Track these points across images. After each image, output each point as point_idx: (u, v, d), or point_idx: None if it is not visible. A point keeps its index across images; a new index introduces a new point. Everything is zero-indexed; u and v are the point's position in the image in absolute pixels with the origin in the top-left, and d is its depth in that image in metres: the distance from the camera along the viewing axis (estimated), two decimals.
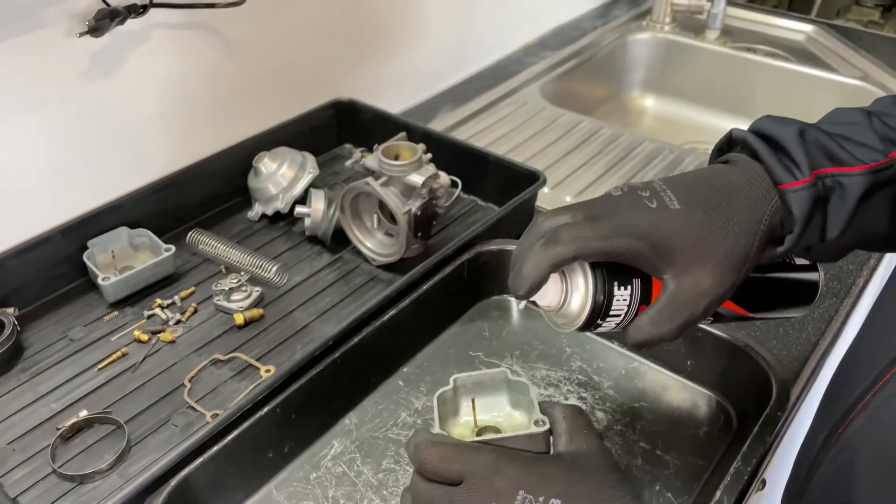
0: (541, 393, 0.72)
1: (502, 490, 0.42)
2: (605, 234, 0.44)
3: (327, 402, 0.68)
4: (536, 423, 0.49)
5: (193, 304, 0.80)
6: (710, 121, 1.45)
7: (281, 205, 0.91)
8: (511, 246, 0.81)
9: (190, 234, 0.88)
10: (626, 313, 0.46)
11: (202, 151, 0.92)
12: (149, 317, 0.79)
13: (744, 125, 1.55)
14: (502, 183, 0.93)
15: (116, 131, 0.84)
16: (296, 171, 0.92)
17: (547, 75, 1.31)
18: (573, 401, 0.71)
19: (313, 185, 0.92)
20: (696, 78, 1.46)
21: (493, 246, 0.81)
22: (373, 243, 0.87)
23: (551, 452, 0.47)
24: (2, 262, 0.76)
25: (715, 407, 0.71)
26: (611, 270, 0.45)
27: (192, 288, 0.83)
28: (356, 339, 0.69)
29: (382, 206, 0.85)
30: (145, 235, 0.85)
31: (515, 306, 0.83)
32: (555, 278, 0.46)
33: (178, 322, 0.79)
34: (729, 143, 0.52)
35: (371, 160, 0.85)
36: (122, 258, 0.84)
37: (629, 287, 0.46)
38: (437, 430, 0.51)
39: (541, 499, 0.42)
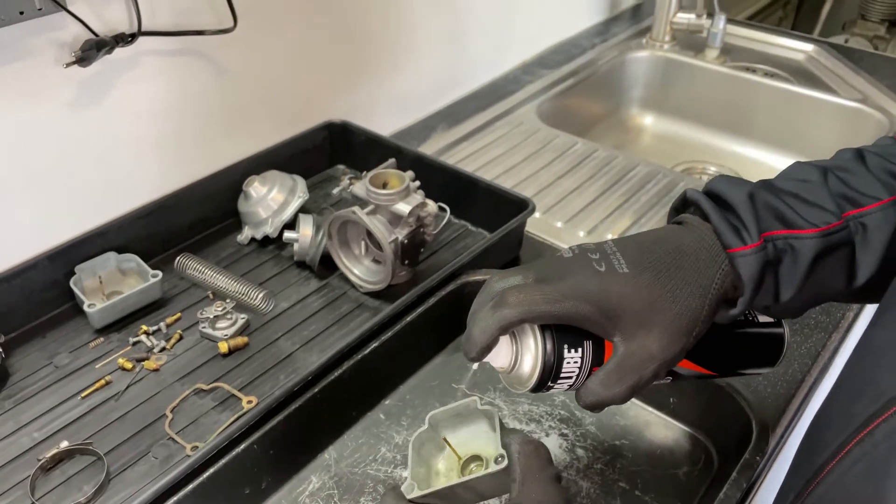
0: (522, 429, 0.72)
1: None
2: (552, 298, 0.44)
3: (306, 436, 0.68)
4: (497, 459, 0.50)
5: (179, 331, 0.81)
6: (709, 140, 1.45)
7: (270, 229, 0.92)
8: None
9: (178, 259, 0.88)
10: (577, 375, 0.46)
11: (192, 175, 0.93)
12: (134, 343, 0.79)
13: (742, 145, 1.53)
14: (492, 209, 0.92)
15: (105, 156, 0.84)
16: (286, 195, 0.92)
17: (544, 94, 1.30)
18: (554, 437, 0.71)
19: (303, 209, 0.92)
20: (694, 97, 1.45)
21: (479, 276, 0.81)
22: (360, 270, 0.87)
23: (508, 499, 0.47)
24: None
25: (696, 446, 0.70)
26: (561, 333, 0.45)
27: (179, 314, 0.83)
28: (337, 373, 0.69)
29: (370, 233, 0.85)
30: (133, 261, 0.85)
31: None
32: (506, 340, 0.46)
33: (163, 349, 0.79)
34: (684, 203, 0.51)
35: (359, 188, 0.85)
36: (110, 283, 0.84)
37: (580, 349, 0.46)
38: (408, 480, 0.51)
39: None
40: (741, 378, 0.68)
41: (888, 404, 0.36)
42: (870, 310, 0.86)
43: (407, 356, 0.77)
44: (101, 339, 0.80)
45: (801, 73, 1.41)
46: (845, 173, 0.50)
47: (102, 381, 0.75)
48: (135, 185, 0.88)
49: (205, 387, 0.74)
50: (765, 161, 1.38)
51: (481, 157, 1.13)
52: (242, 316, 0.81)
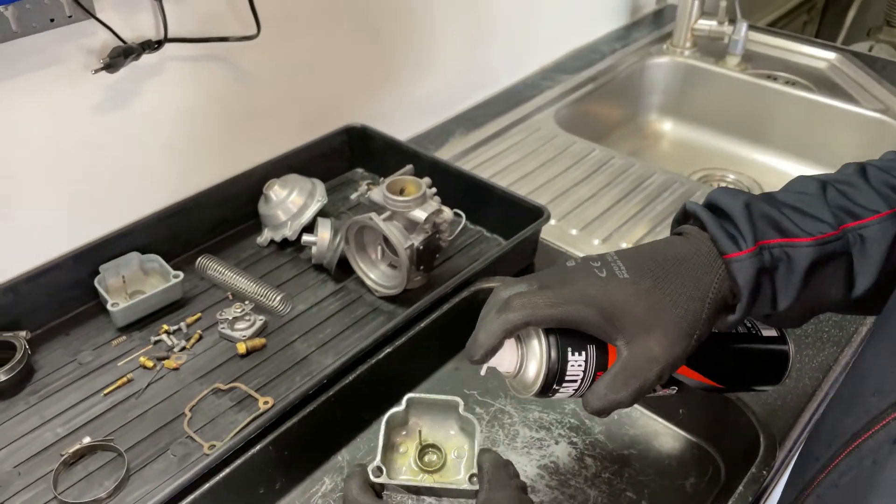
0: (532, 436, 0.73)
1: None
2: (554, 302, 0.46)
3: (320, 438, 0.70)
4: (471, 478, 0.55)
5: (199, 331, 0.83)
6: (728, 147, 1.44)
7: (289, 232, 0.93)
8: None
9: (199, 259, 0.90)
10: (582, 379, 0.47)
11: (214, 178, 0.94)
12: (155, 342, 0.81)
13: (761, 153, 1.53)
14: (508, 215, 0.93)
15: (129, 159, 0.86)
16: (305, 198, 0.94)
17: (562, 100, 1.31)
18: (563, 445, 0.72)
19: (322, 213, 0.94)
20: (714, 104, 1.45)
21: (493, 283, 0.82)
22: (376, 275, 0.88)
23: None
24: (15, 286, 0.78)
25: (704, 458, 0.71)
26: (565, 337, 0.47)
27: (199, 314, 0.85)
28: (352, 377, 0.71)
29: (386, 238, 0.86)
30: (156, 261, 0.87)
31: None
32: (511, 345, 0.48)
33: (183, 349, 0.81)
34: (685, 216, 0.53)
35: (376, 194, 0.86)
36: (133, 282, 0.86)
37: (583, 353, 0.47)
38: (377, 460, 0.55)
39: None
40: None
41: (873, 421, 0.37)
42: None
43: (420, 361, 0.78)
44: (124, 337, 0.82)
45: (822, 82, 1.40)
46: (846, 186, 0.51)
47: (124, 379, 0.77)
48: (158, 187, 0.90)
49: (223, 387, 0.76)
50: (784, 170, 1.38)
51: (498, 163, 1.14)
52: (260, 317, 0.83)
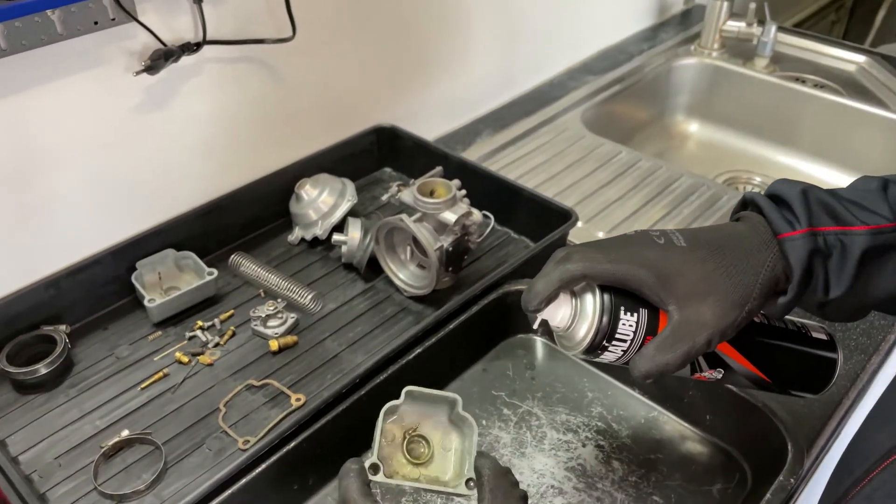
0: (559, 438, 0.74)
1: None
2: (613, 258, 0.47)
3: (352, 436, 0.71)
4: (468, 483, 0.55)
5: (232, 328, 0.84)
6: (755, 150, 1.44)
7: (319, 231, 0.95)
8: None
9: (232, 256, 0.92)
10: (632, 340, 0.48)
11: (247, 177, 0.96)
12: (190, 338, 0.83)
13: (788, 156, 1.52)
14: (535, 217, 0.94)
15: (166, 158, 0.88)
16: (335, 198, 0.95)
17: (589, 101, 1.31)
18: (590, 448, 0.73)
19: (352, 212, 0.95)
20: (742, 106, 1.44)
21: (521, 286, 0.83)
22: (405, 275, 0.89)
23: None
24: (55, 281, 0.80)
25: (731, 463, 0.71)
26: (619, 297, 0.48)
27: (232, 311, 0.87)
28: (383, 377, 0.72)
29: (416, 239, 0.87)
30: (190, 258, 0.89)
31: (540, 346, 0.84)
32: (566, 299, 0.49)
33: (217, 345, 0.83)
34: (743, 205, 0.55)
35: (406, 195, 0.87)
36: (168, 279, 0.88)
37: (636, 314, 0.48)
38: (374, 454, 0.56)
39: None
40: (778, 397, 0.69)
41: None
42: None
43: (449, 362, 0.80)
44: (159, 332, 0.84)
45: (851, 85, 1.39)
46: None
47: (160, 374, 0.79)
48: (193, 186, 0.92)
49: (256, 383, 0.78)
50: (811, 173, 1.37)
51: (525, 164, 1.15)
52: (292, 315, 0.85)
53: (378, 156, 1.10)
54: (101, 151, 0.82)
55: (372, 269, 0.91)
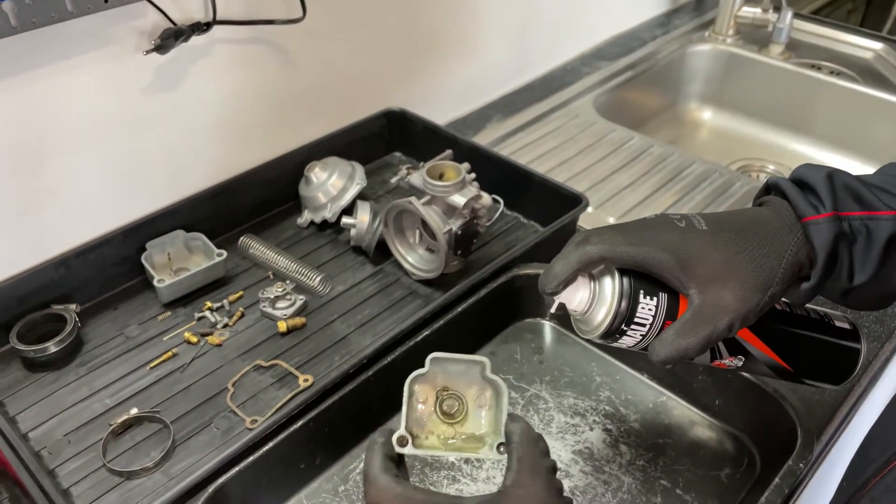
0: (566, 422, 0.73)
1: None
2: (633, 241, 0.46)
3: (359, 416, 0.71)
4: (499, 447, 0.51)
5: (241, 309, 0.84)
6: (768, 137, 1.42)
7: (329, 214, 0.95)
8: None
9: (241, 238, 0.92)
10: (650, 325, 0.47)
11: (256, 159, 0.96)
12: (199, 318, 0.83)
13: (802, 144, 1.50)
14: (545, 202, 0.94)
15: (176, 139, 0.88)
16: (345, 181, 0.95)
17: (601, 87, 1.30)
18: (598, 432, 0.72)
19: (361, 195, 0.95)
20: (756, 93, 1.43)
21: (529, 270, 0.82)
22: (414, 258, 0.89)
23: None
24: (66, 260, 0.81)
25: (740, 449, 0.71)
26: (639, 280, 0.47)
27: (241, 292, 0.87)
28: (390, 358, 0.72)
29: (425, 222, 0.87)
30: (200, 239, 0.89)
31: (548, 330, 0.84)
32: (584, 282, 0.48)
33: (226, 326, 0.83)
34: (766, 190, 0.54)
35: (416, 178, 0.87)
36: (178, 259, 0.88)
37: (655, 298, 0.47)
38: (402, 429, 0.52)
39: None
40: (788, 383, 0.69)
41: None
42: None
43: (456, 345, 0.78)
44: (169, 312, 0.84)
45: (868, 73, 1.37)
46: None
47: (169, 354, 0.79)
48: (203, 167, 0.92)
49: (264, 363, 0.78)
50: (825, 161, 1.35)
51: (536, 149, 1.14)
52: (301, 297, 0.85)
53: (388, 140, 1.09)
54: (111, 131, 0.82)
55: (381, 253, 0.91)
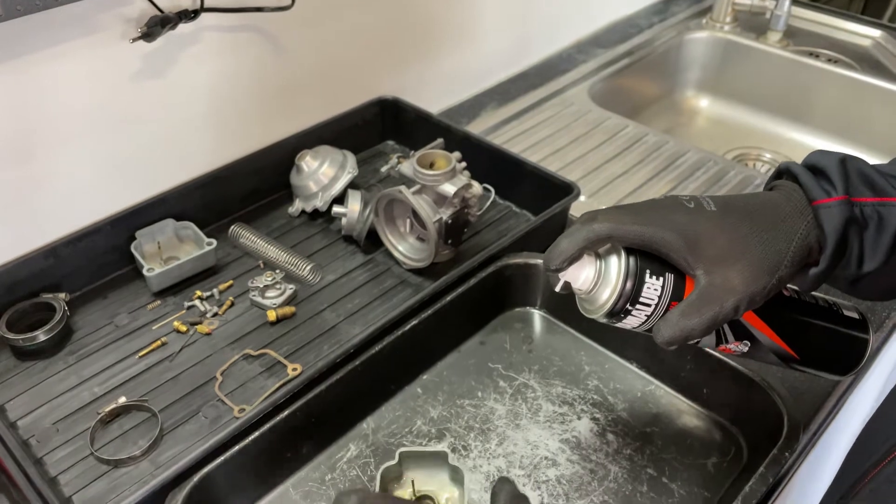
0: (554, 411, 0.73)
1: None
2: (640, 220, 0.46)
3: (347, 406, 0.71)
4: None
5: (231, 298, 0.84)
6: (766, 126, 1.42)
7: (320, 203, 0.94)
8: (536, 260, 0.82)
9: (232, 227, 0.92)
10: (656, 305, 0.47)
11: (247, 148, 0.96)
12: (188, 307, 0.83)
13: (800, 133, 1.49)
14: (537, 191, 0.93)
15: (165, 128, 0.87)
16: (336, 170, 0.95)
17: (597, 74, 1.29)
18: (586, 421, 0.72)
19: (352, 184, 0.95)
20: (753, 81, 1.42)
21: (519, 259, 0.82)
22: (405, 247, 0.89)
23: None
24: (55, 249, 0.81)
25: (727, 438, 0.71)
26: (645, 260, 0.47)
27: (231, 281, 0.87)
28: (378, 347, 0.72)
29: (415, 212, 0.87)
30: (190, 228, 0.89)
31: (538, 319, 0.84)
32: (590, 260, 0.48)
33: (215, 315, 0.83)
34: (778, 175, 0.53)
35: (406, 167, 0.86)
36: (168, 248, 0.88)
37: (661, 278, 0.47)
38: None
39: None
40: (778, 372, 0.69)
41: None
42: None
43: (446, 334, 0.79)
44: (158, 301, 0.84)
45: (866, 60, 1.36)
46: None
47: (158, 342, 0.79)
48: (192, 156, 0.91)
49: (253, 352, 0.78)
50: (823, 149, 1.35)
51: (530, 138, 1.13)
52: (291, 286, 0.85)
53: (381, 128, 1.09)
54: (100, 119, 0.81)
55: (372, 242, 0.91)
